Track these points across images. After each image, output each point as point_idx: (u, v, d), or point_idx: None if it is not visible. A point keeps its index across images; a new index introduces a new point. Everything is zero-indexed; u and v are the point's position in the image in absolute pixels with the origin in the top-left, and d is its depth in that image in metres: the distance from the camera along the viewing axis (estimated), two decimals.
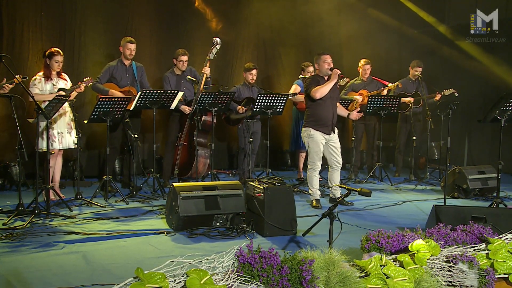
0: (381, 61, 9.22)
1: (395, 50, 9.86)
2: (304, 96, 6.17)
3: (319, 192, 6.04)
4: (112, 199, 6.13)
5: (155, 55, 8.20)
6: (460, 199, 6.59)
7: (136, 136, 6.11)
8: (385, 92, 7.87)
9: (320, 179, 7.00)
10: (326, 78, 5.93)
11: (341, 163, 6.09)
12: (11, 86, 5.28)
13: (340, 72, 5.79)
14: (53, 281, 3.35)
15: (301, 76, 7.56)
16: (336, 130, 6.07)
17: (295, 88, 7.54)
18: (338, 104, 6.16)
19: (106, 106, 5.80)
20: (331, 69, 5.82)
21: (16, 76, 5.08)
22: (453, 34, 9.54)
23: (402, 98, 7.83)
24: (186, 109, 6.72)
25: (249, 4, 8.97)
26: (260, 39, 9.29)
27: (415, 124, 8.08)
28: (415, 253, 3.15)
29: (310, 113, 5.94)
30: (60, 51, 5.96)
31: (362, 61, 8.12)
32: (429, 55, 9.29)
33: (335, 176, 6.08)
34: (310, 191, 6.02)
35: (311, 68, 7.46)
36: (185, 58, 6.91)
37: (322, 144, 5.92)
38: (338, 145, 6.04)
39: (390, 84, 7.88)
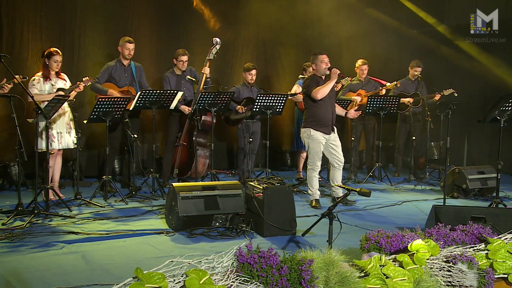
0: (381, 61, 9.23)
1: (394, 50, 9.86)
2: (303, 96, 6.16)
3: (318, 192, 6.04)
4: (112, 199, 6.12)
5: (154, 55, 8.20)
6: (460, 199, 6.59)
7: (135, 136, 6.10)
8: (383, 91, 7.86)
9: (320, 179, 7.00)
10: (323, 78, 5.92)
11: (343, 161, 6.06)
12: (10, 86, 5.28)
13: (339, 72, 5.78)
14: (53, 281, 3.35)
15: (300, 76, 7.55)
16: (336, 130, 6.07)
17: (296, 88, 7.55)
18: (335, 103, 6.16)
19: (106, 106, 5.80)
20: (329, 69, 5.81)
21: (16, 76, 5.08)
22: (453, 34, 9.54)
23: (401, 99, 7.83)
24: (185, 109, 6.71)
25: (248, 4, 8.97)
26: (259, 39, 9.29)
27: (414, 124, 8.08)
28: (414, 253, 3.15)
29: (309, 113, 5.93)
30: (59, 51, 5.96)
31: (359, 61, 8.12)
32: (428, 55, 9.28)
33: (337, 175, 6.05)
34: (309, 191, 6.02)
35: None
36: (185, 58, 6.90)
37: (322, 144, 5.91)
38: (338, 143, 6.02)
39: (388, 84, 7.88)
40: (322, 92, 5.74)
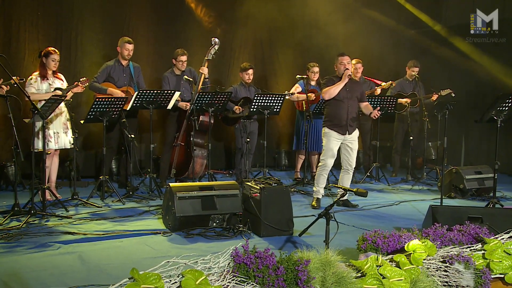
0: (378, 61, 9.22)
1: (391, 50, 9.85)
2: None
3: (322, 192, 6.02)
4: (109, 199, 6.11)
5: (152, 55, 8.18)
6: (457, 199, 6.59)
7: (133, 136, 6.09)
8: (378, 91, 7.86)
9: None
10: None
11: (353, 166, 5.98)
12: (7, 88, 5.27)
13: (350, 74, 5.83)
14: (49, 282, 3.35)
15: (298, 76, 7.51)
16: (357, 131, 6.00)
17: (295, 87, 7.55)
18: (366, 103, 6.10)
19: (103, 106, 5.78)
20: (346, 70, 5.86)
21: (14, 77, 5.06)
22: (452, 34, 9.54)
23: (399, 99, 7.83)
24: (183, 104, 6.70)
25: (246, 4, 8.95)
26: (257, 39, 9.28)
27: (412, 124, 8.07)
28: (411, 253, 3.15)
29: (326, 112, 5.98)
30: (57, 50, 5.95)
31: (354, 61, 8.07)
32: (426, 55, 9.28)
33: (345, 179, 5.96)
34: (314, 188, 6.01)
35: (316, 69, 7.51)
36: (184, 58, 6.89)
37: (336, 144, 5.89)
38: (354, 146, 5.93)
39: (383, 83, 7.88)
40: (329, 93, 5.79)
